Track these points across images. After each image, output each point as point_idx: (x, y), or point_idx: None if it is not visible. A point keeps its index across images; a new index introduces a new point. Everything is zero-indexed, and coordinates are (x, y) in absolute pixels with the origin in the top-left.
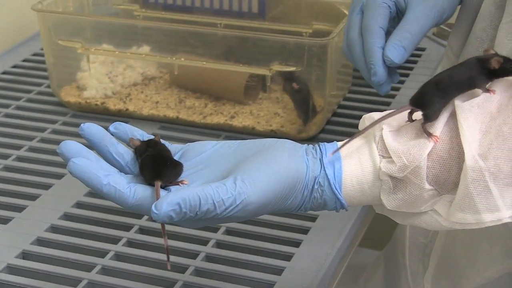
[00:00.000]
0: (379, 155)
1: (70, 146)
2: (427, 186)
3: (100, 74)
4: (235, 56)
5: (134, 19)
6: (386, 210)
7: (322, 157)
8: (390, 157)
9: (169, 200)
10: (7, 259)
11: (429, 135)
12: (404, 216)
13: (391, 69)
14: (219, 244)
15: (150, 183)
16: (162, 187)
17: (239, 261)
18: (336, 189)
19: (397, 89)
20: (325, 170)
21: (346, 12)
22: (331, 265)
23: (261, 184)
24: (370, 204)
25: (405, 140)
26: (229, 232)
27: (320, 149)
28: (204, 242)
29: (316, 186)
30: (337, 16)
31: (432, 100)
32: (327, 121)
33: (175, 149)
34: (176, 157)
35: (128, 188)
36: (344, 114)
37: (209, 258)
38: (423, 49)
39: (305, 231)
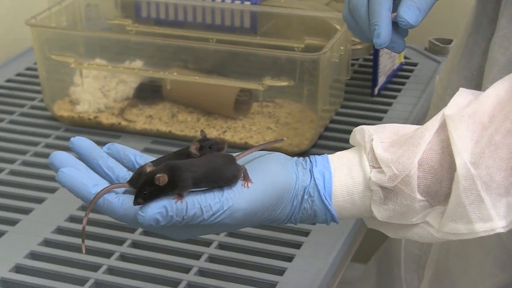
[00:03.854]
0: (370, 165)
1: (60, 156)
2: (418, 196)
3: (93, 89)
4: (227, 70)
5: (127, 34)
6: (377, 224)
7: (312, 168)
8: (380, 167)
9: (155, 203)
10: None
11: None
12: (395, 229)
13: (399, 29)
14: (212, 259)
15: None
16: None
17: (231, 276)
18: (326, 199)
19: (390, 104)
20: (315, 180)
21: (338, 27)
22: (323, 281)
23: (248, 191)
24: (361, 217)
25: (394, 149)
26: (221, 246)
27: (310, 160)
28: (196, 256)
29: (306, 196)
30: (329, 31)
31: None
32: (319, 135)
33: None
34: None
35: (117, 198)
36: (336, 129)
37: (202, 272)
38: (415, 64)
39: (297, 245)
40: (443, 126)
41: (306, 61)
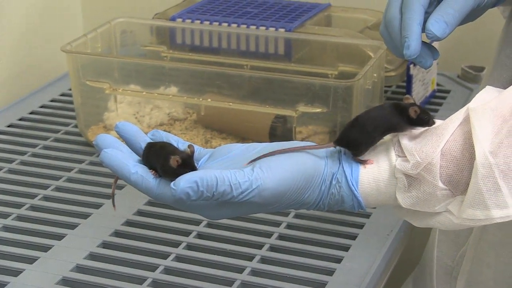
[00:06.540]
0: (396, 155)
1: (105, 138)
2: (441, 185)
3: (127, 115)
4: (261, 97)
5: (162, 60)
6: (404, 213)
7: (340, 157)
8: (405, 156)
9: (187, 178)
10: None
11: (362, 162)
12: (420, 218)
13: (431, 46)
14: (264, 260)
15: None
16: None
17: (283, 276)
18: (353, 185)
19: None
20: (343, 167)
21: (372, 54)
22: None
23: (278, 171)
24: (387, 205)
25: (419, 140)
26: (272, 248)
27: (340, 150)
28: (249, 258)
29: (334, 182)
30: (363, 58)
31: (359, 142)
32: None
33: (204, 152)
34: (204, 159)
35: (154, 178)
36: None
37: (255, 272)
38: (447, 91)
39: (330, 272)
40: (467, 119)
41: (339, 88)
